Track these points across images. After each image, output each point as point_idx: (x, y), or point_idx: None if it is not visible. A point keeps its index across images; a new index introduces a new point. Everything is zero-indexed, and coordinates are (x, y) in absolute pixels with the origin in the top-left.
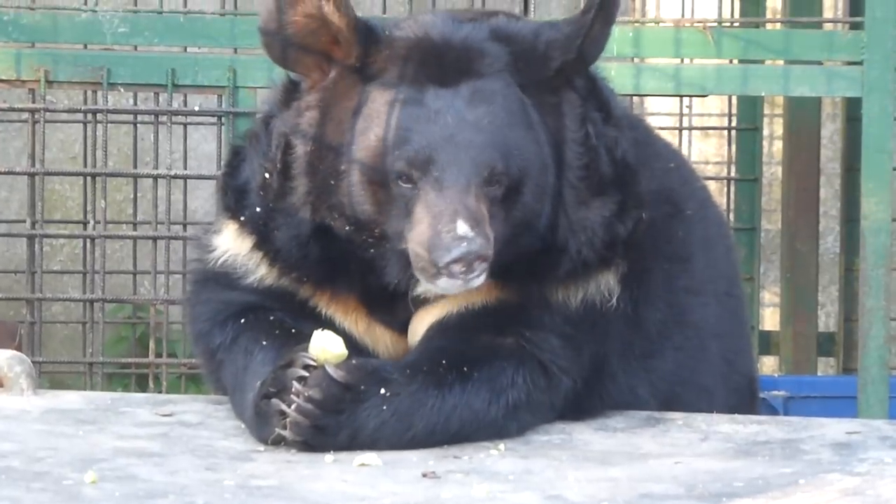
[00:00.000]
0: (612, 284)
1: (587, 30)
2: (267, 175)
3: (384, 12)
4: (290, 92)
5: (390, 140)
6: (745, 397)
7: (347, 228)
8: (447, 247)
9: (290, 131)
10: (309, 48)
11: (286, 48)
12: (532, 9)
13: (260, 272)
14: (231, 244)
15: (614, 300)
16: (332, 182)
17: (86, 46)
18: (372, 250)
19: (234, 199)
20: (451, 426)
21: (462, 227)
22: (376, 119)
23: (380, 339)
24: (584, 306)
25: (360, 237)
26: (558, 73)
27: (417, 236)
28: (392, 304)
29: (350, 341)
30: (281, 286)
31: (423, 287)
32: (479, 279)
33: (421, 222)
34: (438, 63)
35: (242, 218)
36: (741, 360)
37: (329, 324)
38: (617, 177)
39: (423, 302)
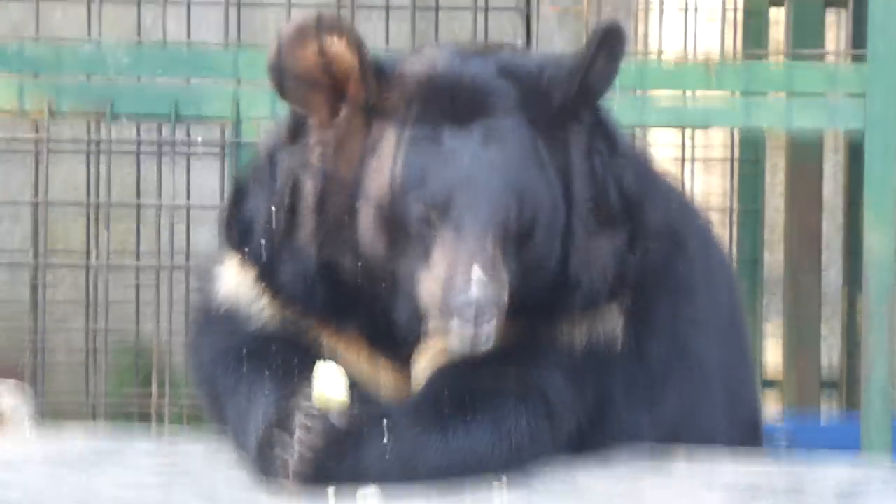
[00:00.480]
0: (618, 320)
1: (590, 64)
2: (274, 209)
3: (387, 35)
4: (298, 127)
5: (407, 180)
6: (749, 431)
7: (357, 267)
8: (463, 289)
9: (299, 167)
10: (319, 86)
11: (296, 86)
12: (535, 39)
13: (262, 305)
14: (234, 277)
15: (619, 336)
16: (344, 220)
17: (89, 78)
18: (381, 289)
19: (238, 234)
20: (454, 470)
21: (478, 273)
22: (391, 158)
23: (383, 374)
24: (589, 342)
25: (369, 276)
26: (563, 108)
27: (434, 277)
28: (396, 342)
29: (352, 375)
30: (284, 321)
31: (431, 330)
32: (489, 327)
33: (438, 264)
34: (451, 101)
35: (246, 250)
36: (745, 394)
37: (332, 357)
38: (625, 208)
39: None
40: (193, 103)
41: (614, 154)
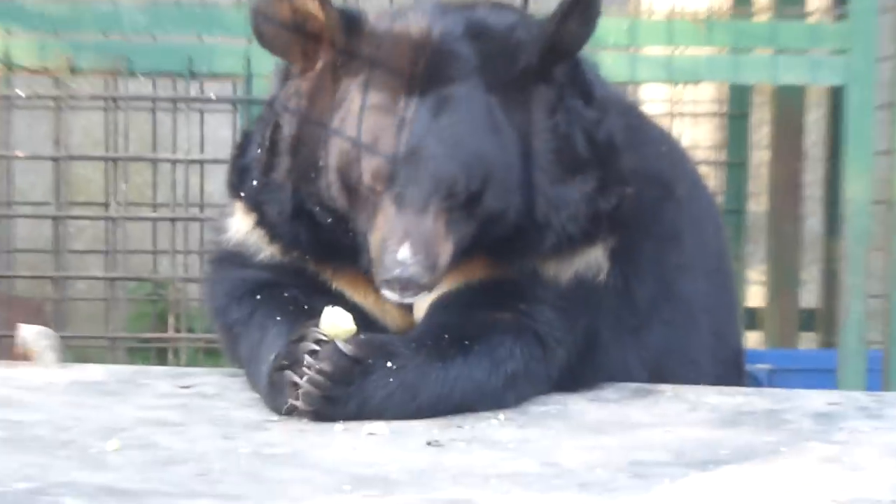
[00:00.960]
0: (602, 260)
1: (560, 25)
2: (258, 150)
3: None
4: (286, 75)
5: (359, 148)
6: (731, 369)
7: (326, 216)
8: (388, 267)
9: (280, 110)
10: (295, 39)
11: (274, 36)
12: None
13: (262, 246)
14: (240, 223)
15: (604, 275)
16: (312, 174)
17: (106, 36)
18: (349, 237)
19: (237, 177)
20: (454, 396)
21: (403, 253)
22: (350, 122)
23: (388, 312)
24: (575, 281)
25: (337, 226)
26: (528, 67)
27: (373, 244)
28: None
29: (360, 315)
30: (285, 262)
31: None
32: (414, 299)
33: (376, 232)
34: (411, 68)
35: (243, 195)
36: (729, 334)
37: (339, 298)
38: (596, 156)
39: None
40: (206, 60)
41: (588, 107)
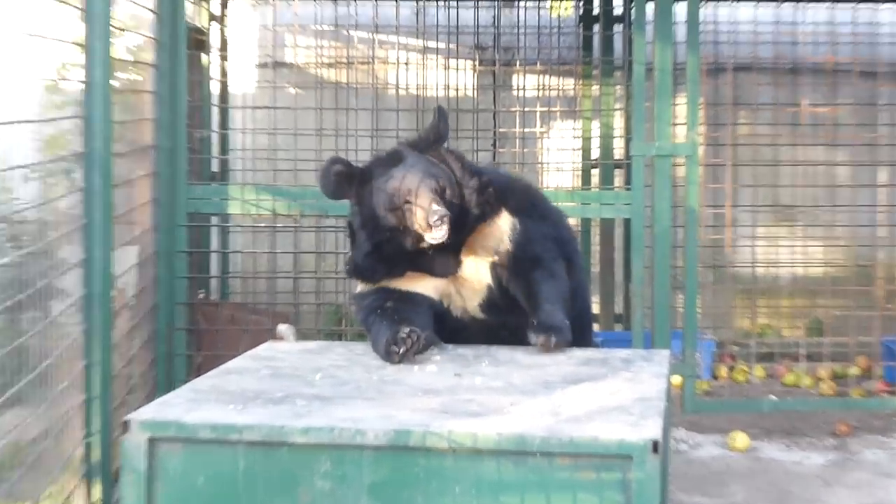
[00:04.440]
0: (510, 217)
1: (436, 126)
2: (351, 245)
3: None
4: (349, 204)
5: (391, 193)
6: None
7: (387, 233)
8: (431, 219)
9: (352, 219)
10: (343, 186)
11: (332, 191)
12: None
13: (366, 287)
14: (359, 285)
15: (516, 222)
16: (373, 224)
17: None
18: (399, 238)
19: (348, 267)
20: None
21: (434, 206)
22: (382, 191)
23: (450, 284)
24: (512, 230)
25: (392, 234)
26: (434, 145)
27: (419, 222)
28: (434, 265)
29: (431, 302)
30: (380, 289)
31: (426, 239)
32: (446, 226)
33: (418, 215)
34: (390, 162)
35: (348, 270)
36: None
37: (413, 297)
38: (475, 174)
39: (464, 253)
40: (330, 206)
41: (460, 159)
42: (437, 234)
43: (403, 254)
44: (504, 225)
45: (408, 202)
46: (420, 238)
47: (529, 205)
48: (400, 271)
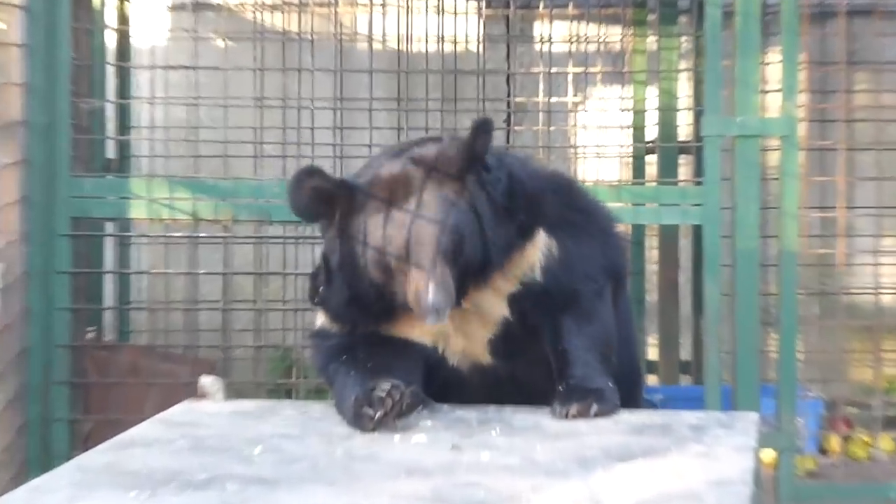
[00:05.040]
0: (550, 239)
1: (471, 146)
2: (321, 276)
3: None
4: (324, 229)
5: (381, 245)
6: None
7: (371, 293)
8: (424, 305)
9: (328, 250)
10: (320, 207)
11: (302, 210)
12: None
13: (335, 328)
14: (320, 317)
15: (555, 247)
16: (356, 273)
17: (255, 200)
18: (389, 301)
19: (313, 292)
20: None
21: (432, 289)
22: (372, 235)
23: (439, 330)
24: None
25: (379, 297)
26: (460, 171)
27: (410, 296)
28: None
29: (422, 348)
30: (349, 335)
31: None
32: (445, 319)
33: (411, 286)
34: (391, 192)
35: (317, 301)
36: (635, 348)
37: (394, 339)
38: (510, 204)
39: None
40: None
41: (490, 173)
42: (430, 321)
43: (391, 306)
44: (537, 248)
45: (401, 264)
46: (411, 308)
47: (572, 214)
48: (386, 318)
